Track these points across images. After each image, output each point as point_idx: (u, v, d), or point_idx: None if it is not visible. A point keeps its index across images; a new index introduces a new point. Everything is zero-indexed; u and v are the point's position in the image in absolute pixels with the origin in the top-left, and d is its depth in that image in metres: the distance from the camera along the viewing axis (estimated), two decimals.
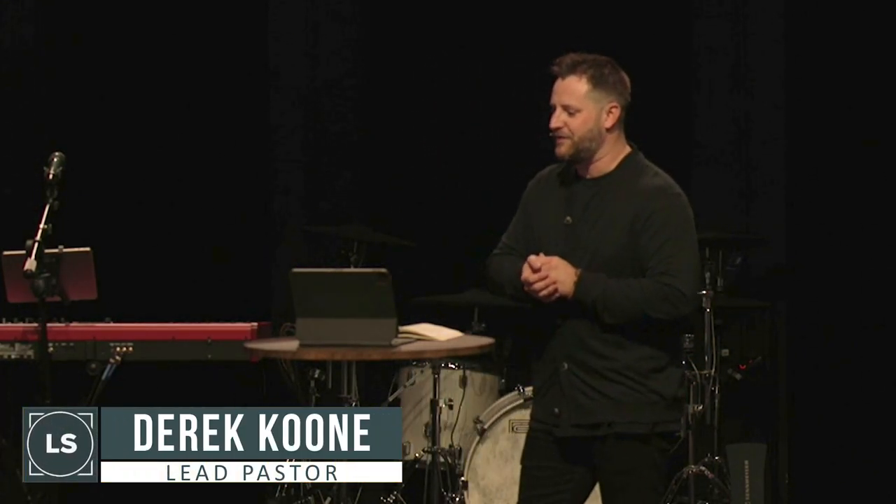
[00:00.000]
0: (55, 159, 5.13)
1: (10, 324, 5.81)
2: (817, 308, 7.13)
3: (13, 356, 5.78)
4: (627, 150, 4.65)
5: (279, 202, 7.67)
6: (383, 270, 4.30)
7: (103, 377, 5.76)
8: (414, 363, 6.81)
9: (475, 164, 7.49)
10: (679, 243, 4.50)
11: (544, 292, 4.45)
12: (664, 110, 7.40)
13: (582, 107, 4.54)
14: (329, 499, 6.88)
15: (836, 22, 7.11)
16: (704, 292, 6.82)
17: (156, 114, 7.39)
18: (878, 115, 7.05)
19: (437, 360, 6.55)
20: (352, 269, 6.52)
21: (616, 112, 4.58)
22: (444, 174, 7.52)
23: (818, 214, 7.16)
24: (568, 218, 4.56)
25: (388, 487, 6.95)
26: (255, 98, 7.58)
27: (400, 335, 4.35)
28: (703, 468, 6.78)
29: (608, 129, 4.58)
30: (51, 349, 5.53)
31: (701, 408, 6.80)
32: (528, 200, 4.72)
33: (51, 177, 5.09)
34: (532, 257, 4.49)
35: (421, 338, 4.43)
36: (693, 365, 6.79)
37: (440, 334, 4.46)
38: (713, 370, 6.84)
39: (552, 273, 4.45)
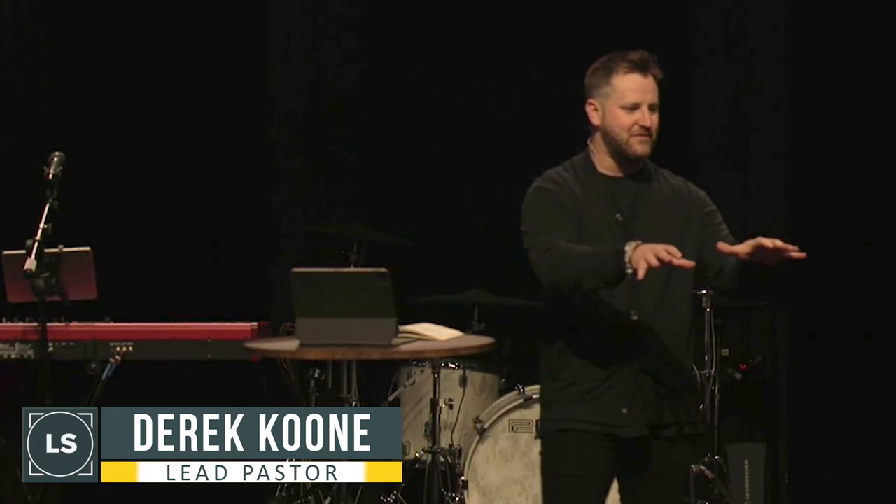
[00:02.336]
0: (55, 159, 5.13)
1: (10, 324, 5.81)
2: (817, 308, 7.13)
3: (13, 356, 5.78)
4: None
5: (279, 202, 7.67)
6: (383, 270, 4.30)
7: (103, 377, 5.76)
8: (414, 363, 6.81)
9: (475, 164, 7.49)
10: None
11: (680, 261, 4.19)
12: (664, 110, 7.40)
13: (659, 104, 4.52)
14: (329, 499, 6.88)
15: (837, 22, 7.11)
16: (704, 292, 6.83)
17: (156, 114, 7.39)
18: (878, 116, 7.05)
19: (437, 359, 6.55)
20: (352, 269, 6.52)
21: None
22: (444, 174, 7.53)
23: (818, 214, 7.16)
24: (618, 215, 4.50)
25: (388, 487, 6.95)
26: (255, 98, 7.58)
27: (400, 335, 4.35)
28: (703, 468, 6.78)
29: None
30: (51, 349, 5.53)
31: (701, 408, 6.80)
32: (564, 202, 4.51)
33: (51, 177, 5.09)
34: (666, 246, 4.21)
35: (421, 337, 4.43)
36: (693, 365, 6.79)
37: (440, 334, 4.46)
38: (713, 370, 6.84)
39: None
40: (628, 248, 4.23)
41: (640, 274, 4.14)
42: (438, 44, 7.48)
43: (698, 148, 7.46)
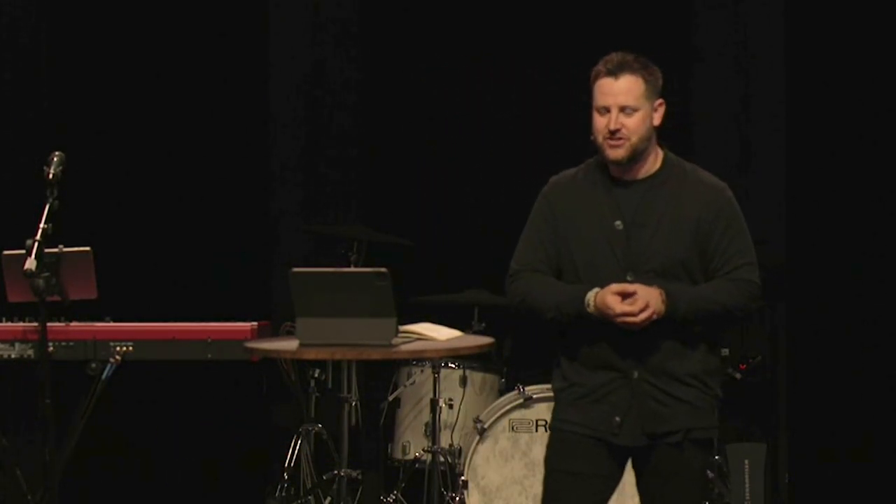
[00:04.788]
0: (55, 159, 5.13)
1: (10, 324, 5.81)
2: (817, 308, 7.13)
3: (13, 356, 5.78)
4: (662, 149, 4.56)
5: (279, 202, 7.67)
6: (383, 270, 4.30)
7: (103, 377, 5.76)
8: (414, 363, 6.81)
9: (475, 164, 7.49)
10: (744, 238, 4.50)
11: (643, 324, 4.30)
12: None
13: (639, 106, 4.42)
14: (329, 499, 6.89)
15: (837, 22, 7.11)
16: None
17: (156, 114, 7.39)
18: (878, 116, 7.05)
19: (437, 359, 6.55)
20: (352, 269, 6.52)
21: (662, 109, 4.50)
22: (444, 174, 7.52)
23: (818, 214, 7.16)
24: (618, 223, 4.43)
25: (388, 487, 6.96)
26: (255, 98, 7.58)
27: (400, 335, 4.36)
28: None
29: (656, 128, 4.50)
30: (51, 349, 5.53)
31: None
32: (555, 211, 4.52)
33: (51, 176, 5.09)
34: (624, 286, 4.31)
35: (421, 337, 4.43)
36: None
37: (440, 334, 4.47)
38: None
39: (650, 302, 4.30)
40: (590, 297, 4.35)
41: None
42: (438, 44, 7.48)
43: (699, 149, 7.45)
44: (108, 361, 5.75)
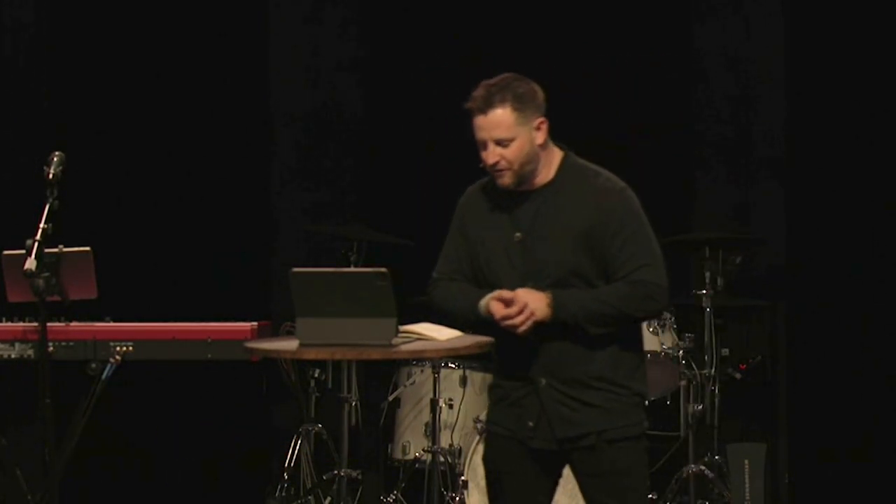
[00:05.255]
0: (55, 159, 5.12)
1: (10, 324, 5.81)
2: (817, 308, 7.13)
3: (13, 356, 5.78)
4: (560, 153, 4.59)
5: (278, 202, 7.67)
6: (383, 270, 4.30)
7: (103, 377, 5.76)
8: (414, 363, 6.81)
9: (475, 164, 7.47)
10: (640, 238, 4.48)
11: (524, 326, 4.38)
12: (664, 111, 7.41)
13: (514, 135, 4.47)
14: (329, 499, 6.89)
15: (837, 22, 7.11)
16: (704, 292, 6.83)
17: (156, 113, 7.39)
18: (878, 116, 7.05)
19: (437, 359, 6.55)
20: (352, 269, 6.52)
21: (544, 126, 4.52)
22: (444, 174, 7.51)
23: (818, 214, 7.16)
24: (517, 234, 4.51)
25: (388, 487, 6.96)
26: (255, 98, 7.58)
27: (400, 335, 4.35)
28: (703, 468, 6.78)
29: (541, 145, 4.52)
30: (51, 349, 5.53)
31: (701, 408, 6.80)
32: (466, 221, 4.65)
33: (51, 176, 5.09)
34: (502, 292, 4.41)
35: (421, 337, 4.43)
36: (693, 365, 6.80)
37: (440, 334, 4.46)
38: (713, 370, 6.84)
39: (529, 304, 4.38)
40: (481, 305, 4.45)
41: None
42: (438, 44, 7.48)
43: (700, 148, 7.46)
44: (108, 361, 5.75)
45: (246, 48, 7.55)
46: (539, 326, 4.41)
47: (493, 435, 4.66)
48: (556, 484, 4.65)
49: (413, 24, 7.56)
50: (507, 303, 4.39)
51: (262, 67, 7.63)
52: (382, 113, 7.61)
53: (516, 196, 4.54)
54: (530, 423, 4.52)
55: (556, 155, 4.56)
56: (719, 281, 6.89)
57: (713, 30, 7.45)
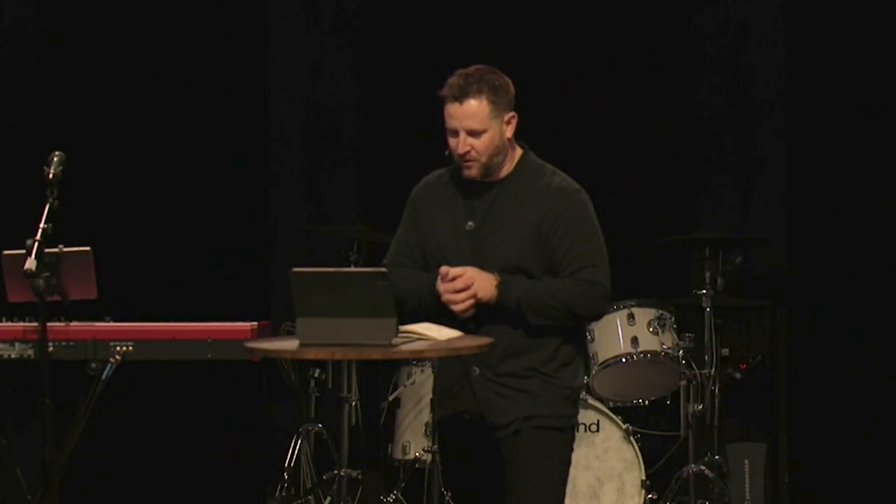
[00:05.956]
0: (55, 159, 5.12)
1: (10, 323, 5.80)
2: (817, 308, 7.13)
3: (13, 356, 5.77)
4: (520, 151, 4.66)
5: (278, 202, 7.66)
6: (383, 270, 4.30)
7: (103, 377, 5.75)
8: (414, 363, 6.81)
9: None
10: (589, 240, 4.54)
11: (465, 303, 4.43)
12: (665, 112, 7.41)
13: (486, 127, 4.52)
14: (329, 499, 6.89)
15: (837, 22, 7.11)
16: (704, 292, 6.83)
17: (156, 113, 7.38)
18: (878, 116, 7.05)
19: (437, 359, 6.54)
20: (352, 269, 6.52)
21: (513, 121, 4.59)
22: None
23: (817, 215, 7.16)
24: (470, 223, 4.57)
25: (388, 487, 6.96)
26: (254, 98, 7.58)
27: (400, 335, 4.35)
28: (703, 468, 6.78)
29: (509, 140, 4.59)
30: (51, 349, 5.53)
31: (701, 408, 6.80)
32: (419, 209, 4.71)
33: (51, 176, 5.08)
34: (446, 268, 4.46)
35: (421, 337, 4.43)
36: (693, 365, 6.80)
37: (440, 334, 4.46)
38: (713, 370, 6.84)
39: (474, 283, 4.42)
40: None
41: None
42: (438, 44, 7.47)
43: (700, 149, 7.46)
44: (108, 361, 5.75)
45: (246, 48, 7.55)
46: (479, 313, 4.45)
47: (441, 422, 4.75)
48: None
49: (413, 25, 7.56)
50: (450, 281, 4.43)
51: (262, 67, 7.62)
52: (382, 113, 7.61)
53: (473, 187, 4.59)
54: (466, 417, 4.59)
55: (516, 151, 4.64)
56: (719, 281, 6.89)
57: (714, 29, 7.45)
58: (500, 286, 4.45)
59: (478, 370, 4.56)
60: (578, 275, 4.48)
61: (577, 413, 4.68)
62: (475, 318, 4.49)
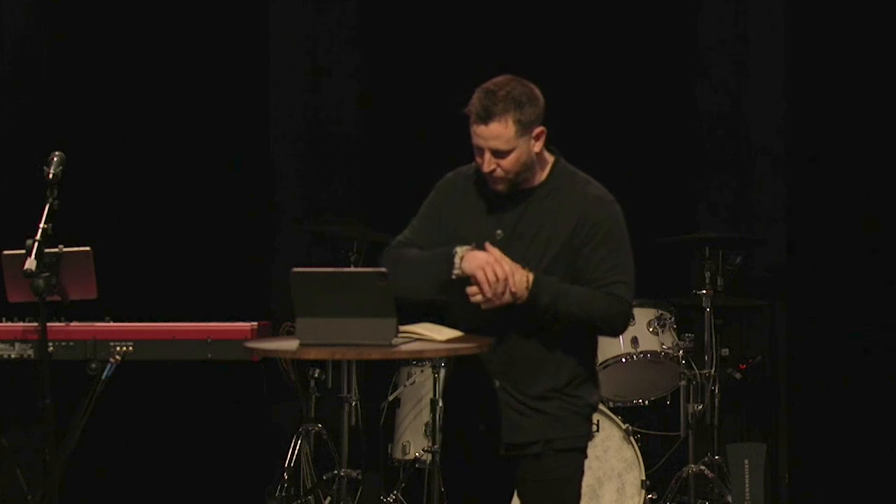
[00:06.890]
0: (55, 159, 5.12)
1: (10, 323, 5.80)
2: (817, 308, 7.13)
3: (13, 356, 5.77)
4: (551, 158, 4.52)
5: (279, 201, 7.66)
6: (383, 270, 4.30)
7: (103, 377, 5.75)
8: (414, 363, 6.81)
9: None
10: (620, 255, 4.42)
11: (495, 302, 4.28)
12: (665, 112, 7.41)
13: (513, 147, 4.37)
14: (329, 499, 6.89)
15: (837, 22, 7.11)
16: (704, 292, 6.83)
17: (156, 113, 7.39)
18: (879, 115, 7.05)
19: (437, 359, 6.55)
20: (352, 269, 6.52)
21: (542, 134, 4.44)
22: (444, 174, 7.51)
23: (818, 214, 7.16)
24: (499, 231, 4.44)
25: (388, 487, 6.96)
26: (254, 98, 7.58)
27: (400, 335, 4.35)
28: (703, 468, 6.78)
29: (538, 153, 4.45)
30: (51, 349, 5.53)
31: (701, 408, 6.80)
32: (443, 209, 4.57)
33: (51, 176, 5.09)
34: (491, 248, 4.30)
35: (421, 337, 4.42)
36: (693, 365, 6.80)
37: (440, 334, 4.46)
38: (713, 370, 6.84)
39: (513, 276, 4.27)
40: (459, 249, 4.32)
41: (478, 297, 4.25)
42: (438, 44, 7.47)
43: (701, 148, 7.46)
44: (108, 361, 5.75)
45: (246, 48, 7.55)
46: (503, 316, 4.33)
47: (446, 439, 4.71)
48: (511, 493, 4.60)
49: (413, 26, 7.56)
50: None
51: (263, 67, 7.63)
52: (383, 113, 7.61)
53: (504, 194, 4.47)
54: (481, 428, 4.50)
55: (548, 159, 4.50)
56: (719, 281, 6.89)
57: (714, 29, 7.45)
58: (532, 286, 4.28)
59: (498, 383, 4.46)
60: (609, 289, 4.36)
61: (591, 428, 4.60)
62: (487, 327, 4.39)
